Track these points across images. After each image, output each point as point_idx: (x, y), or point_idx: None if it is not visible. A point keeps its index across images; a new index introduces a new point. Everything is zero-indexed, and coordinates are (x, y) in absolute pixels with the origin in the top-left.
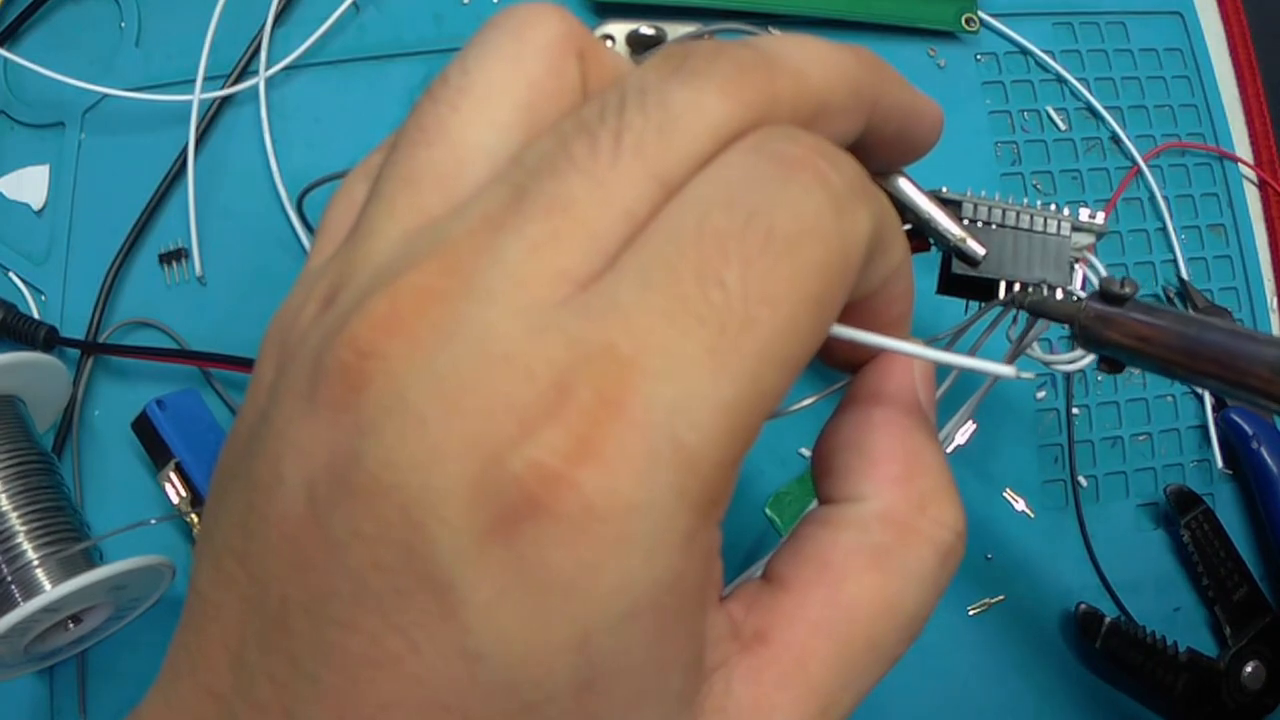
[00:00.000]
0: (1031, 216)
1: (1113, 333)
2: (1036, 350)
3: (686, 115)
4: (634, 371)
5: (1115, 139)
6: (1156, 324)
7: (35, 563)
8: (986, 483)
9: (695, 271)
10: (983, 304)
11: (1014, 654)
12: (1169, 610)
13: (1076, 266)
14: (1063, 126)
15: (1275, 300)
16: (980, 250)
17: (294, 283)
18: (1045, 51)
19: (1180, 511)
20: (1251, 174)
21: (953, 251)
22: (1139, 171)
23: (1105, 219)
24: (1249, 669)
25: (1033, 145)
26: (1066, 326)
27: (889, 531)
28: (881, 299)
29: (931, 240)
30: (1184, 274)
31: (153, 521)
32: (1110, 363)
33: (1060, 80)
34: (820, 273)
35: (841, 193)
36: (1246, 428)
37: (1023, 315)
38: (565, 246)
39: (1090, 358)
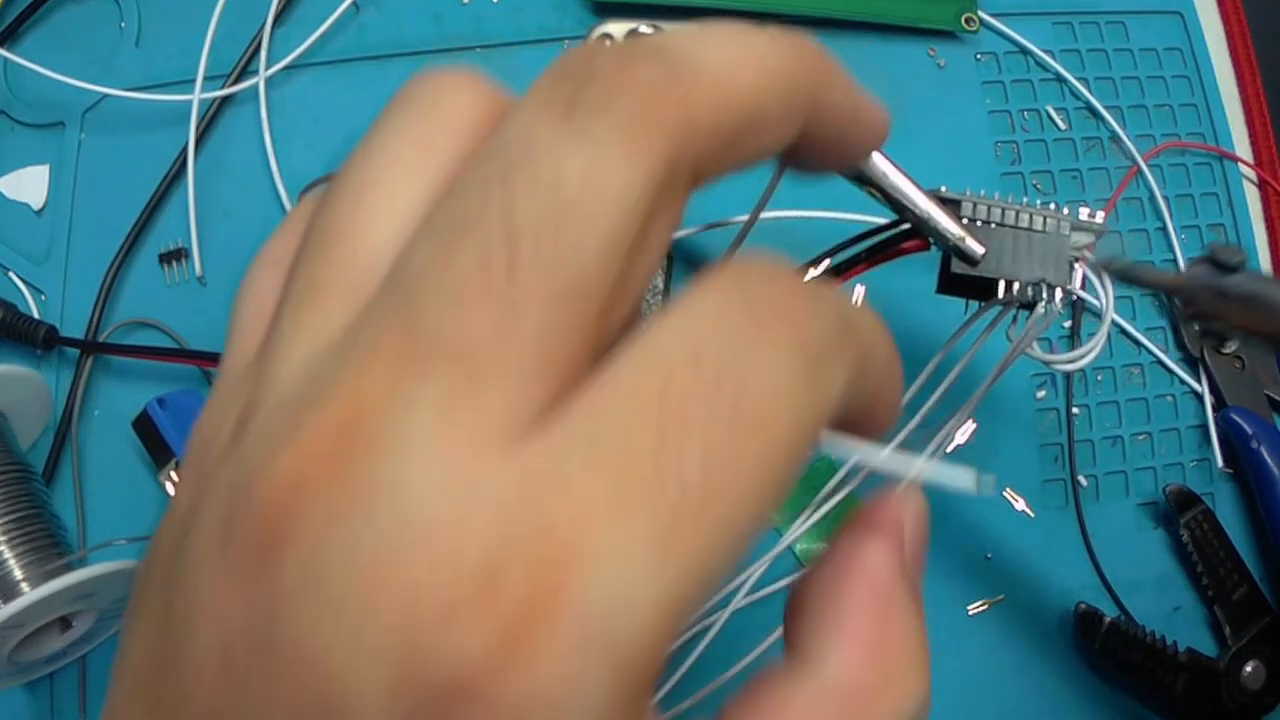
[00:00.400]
0: (1031, 215)
1: (1225, 303)
2: (1036, 350)
3: (589, 196)
4: (573, 559)
5: (1115, 139)
6: (1276, 295)
7: (11, 569)
8: None
9: (654, 446)
10: (982, 303)
11: (1014, 654)
12: (1169, 610)
13: (1076, 265)
14: (1063, 126)
15: None
16: (979, 249)
17: (213, 386)
18: (1045, 51)
19: (1180, 511)
20: (1251, 174)
21: (952, 251)
22: (1139, 171)
23: (1104, 218)
24: (1249, 669)
25: (1033, 145)
26: (1166, 296)
27: (848, 709)
28: (857, 418)
29: (931, 239)
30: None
31: (122, 541)
32: (1216, 335)
33: (1060, 80)
34: (788, 447)
35: (817, 354)
36: (1246, 427)
37: (1022, 315)
38: (483, 398)
39: (1090, 357)
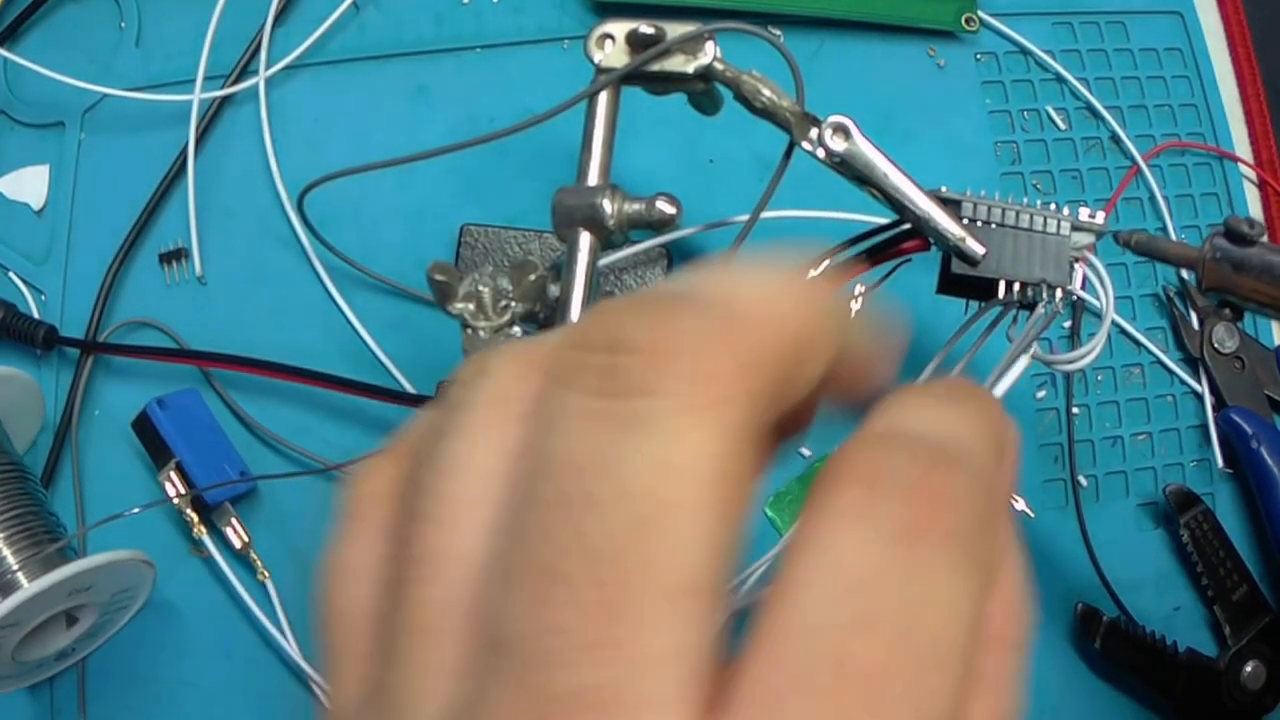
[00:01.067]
0: (1031, 216)
1: (1242, 276)
2: (1036, 350)
3: (668, 495)
4: None
5: (1115, 139)
6: None
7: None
8: None
9: None
10: (982, 304)
11: None
12: (1169, 610)
13: (1076, 266)
14: (1063, 126)
15: None
16: (980, 250)
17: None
18: (1045, 51)
19: (1180, 511)
20: (1251, 174)
21: (952, 251)
22: (1139, 171)
23: (1105, 218)
24: (1249, 669)
25: (1033, 145)
26: (1187, 271)
27: (987, 649)
28: None
29: (931, 239)
30: (1184, 274)
31: (136, 510)
32: (1234, 308)
33: (1060, 80)
34: (972, 642)
35: (973, 537)
36: (1246, 427)
37: (1023, 315)
38: None
39: (1091, 357)
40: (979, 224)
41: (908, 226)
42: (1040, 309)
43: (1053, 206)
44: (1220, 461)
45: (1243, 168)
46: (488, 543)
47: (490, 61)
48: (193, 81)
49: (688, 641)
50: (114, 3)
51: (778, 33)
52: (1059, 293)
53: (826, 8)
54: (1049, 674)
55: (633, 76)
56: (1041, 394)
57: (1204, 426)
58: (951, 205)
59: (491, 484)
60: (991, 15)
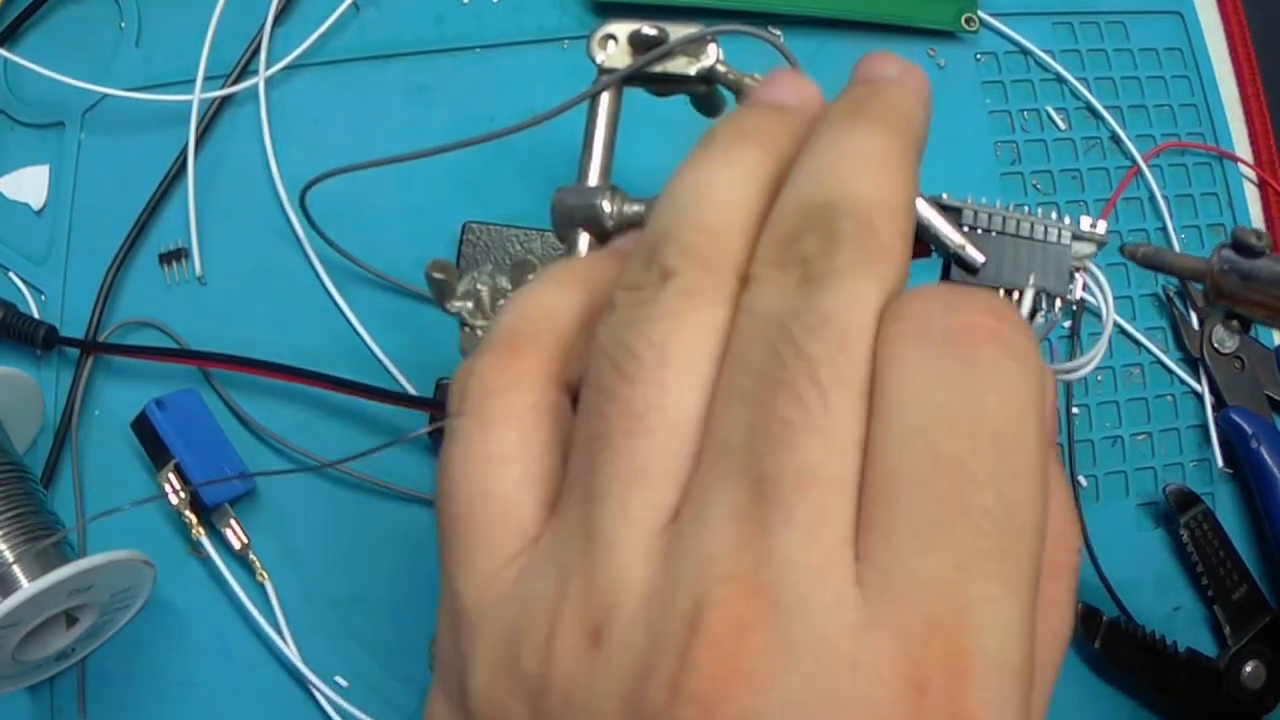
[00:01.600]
0: (1032, 224)
1: (1249, 288)
2: None
3: (853, 322)
4: (963, 637)
5: (1115, 139)
6: None
7: (8, 565)
8: None
9: (961, 514)
10: None
11: None
12: (1169, 610)
13: (1077, 275)
14: (1063, 126)
15: None
16: (979, 258)
17: (459, 589)
18: (1045, 51)
19: (1180, 511)
20: (1251, 174)
21: (952, 259)
22: (1139, 171)
23: (1107, 228)
24: (1249, 668)
25: (1033, 145)
26: (1195, 282)
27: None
28: None
29: (931, 246)
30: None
31: (126, 508)
32: (1242, 320)
33: (1060, 80)
34: (1041, 435)
35: (1021, 343)
36: (1246, 427)
37: None
38: (833, 519)
39: (1091, 365)
40: (979, 231)
41: None
42: (1040, 318)
43: (1054, 215)
44: (1220, 461)
45: (1243, 168)
46: (703, 399)
47: (490, 61)
48: (193, 81)
49: (853, 440)
50: (114, 3)
51: (778, 33)
52: (1059, 302)
53: (826, 8)
54: None
55: (635, 77)
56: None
57: (1204, 426)
58: (952, 212)
59: (702, 352)
60: (991, 15)
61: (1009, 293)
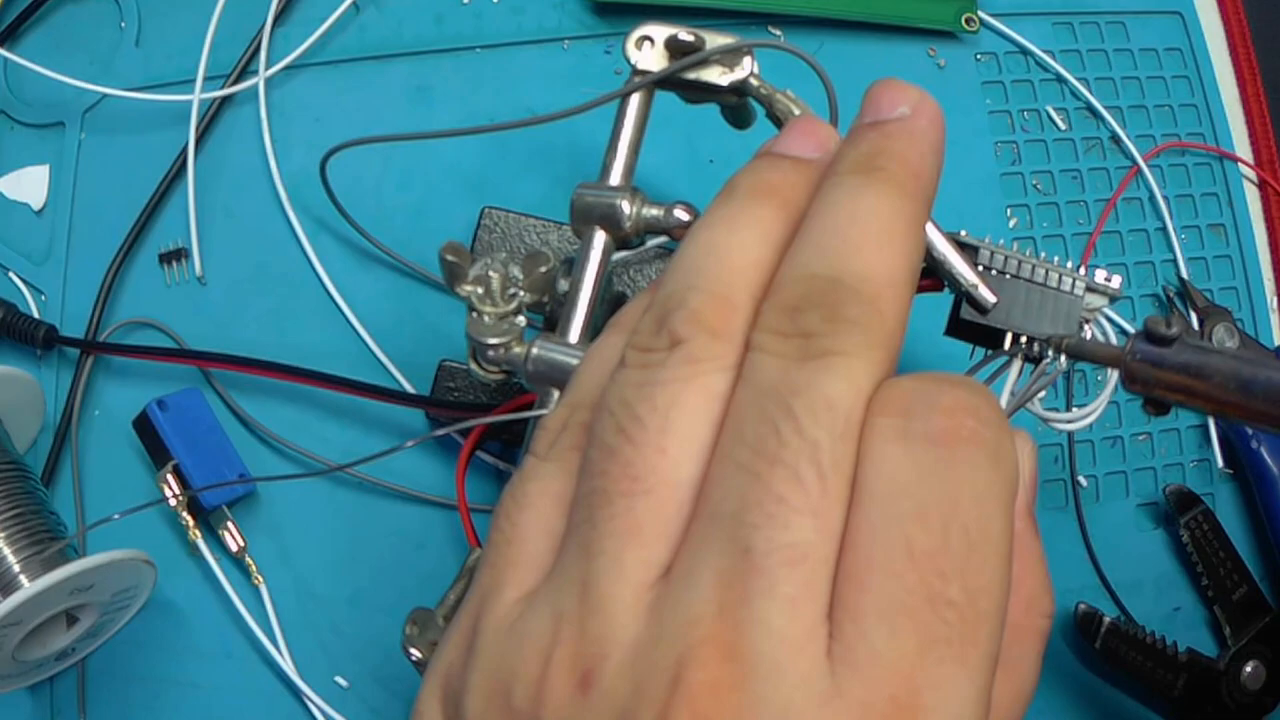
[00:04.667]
0: (1047, 271)
1: (1162, 375)
2: (1037, 406)
3: (853, 411)
4: (918, 716)
5: (1115, 139)
6: (1209, 364)
7: (9, 564)
8: None
9: (926, 604)
10: (989, 351)
11: None
12: (1169, 610)
13: (1086, 327)
14: (1063, 126)
15: (1275, 300)
16: (991, 298)
17: (476, 608)
18: (1045, 51)
19: (1180, 511)
20: (1251, 174)
21: (964, 296)
22: (1139, 171)
23: (1120, 284)
24: (1249, 669)
25: (1033, 145)
26: (1112, 370)
27: (1008, 636)
28: None
29: (945, 282)
30: (1184, 274)
31: (116, 517)
32: (1156, 404)
33: (1060, 80)
34: (1008, 528)
35: (997, 443)
36: (1246, 428)
37: (1027, 367)
38: (815, 595)
39: (1092, 418)
40: (994, 272)
41: (924, 265)
42: (1044, 366)
43: (1069, 264)
44: (1220, 461)
45: (1243, 168)
46: (700, 465)
47: (490, 61)
48: (193, 81)
49: (838, 523)
50: (114, 3)
51: (778, 34)
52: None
53: (826, 8)
54: (1049, 674)
55: (667, 82)
56: (1041, 395)
57: (1204, 426)
58: (968, 250)
59: (702, 420)
60: (991, 15)
61: (1016, 337)
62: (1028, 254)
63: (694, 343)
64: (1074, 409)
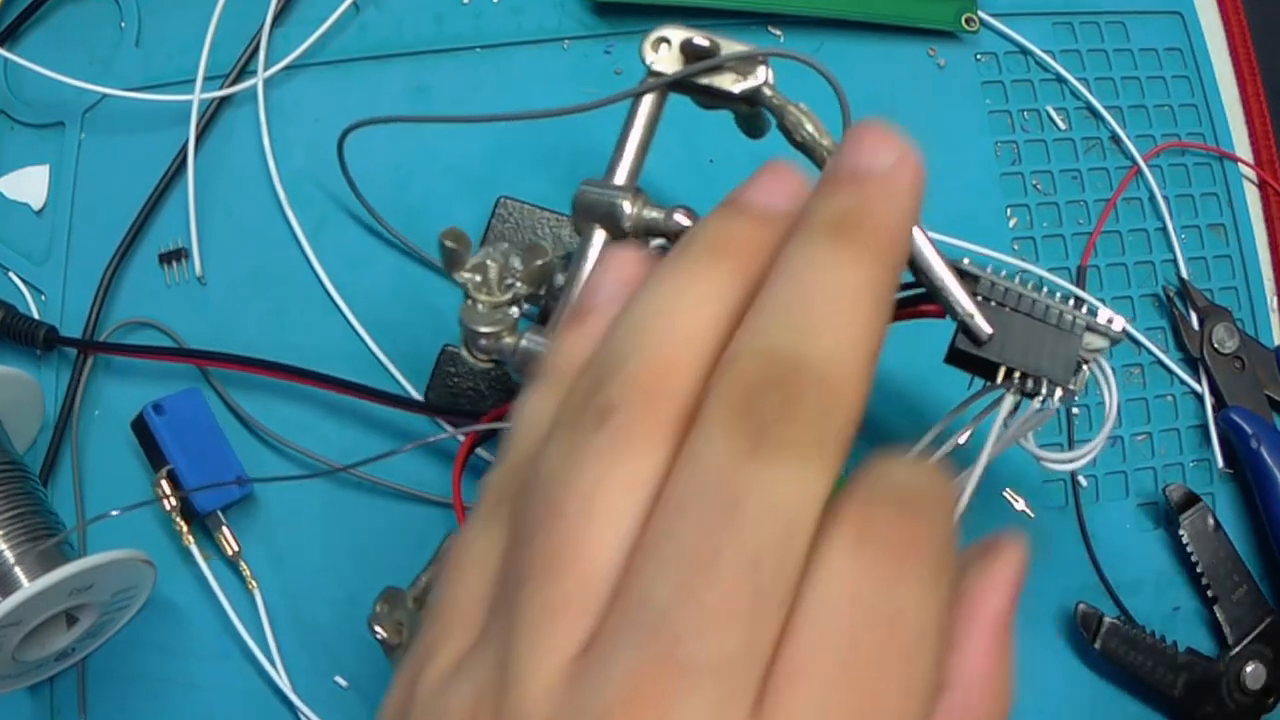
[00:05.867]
0: (1047, 307)
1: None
2: (1030, 443)
3: (801, 518)
4: None
5: (1115, 139)
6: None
7: (9, 564)
8: (986, 482)
9: (857, 716)
10: (986, 383)
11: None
12: (1169, 610)
13: (1083, 368)
14: (1063, 126)
15: (1275, 300)
16: (987, 330)
17: (416, 667)
18: (1045, 51)
19: (1180, 511)
20: (1251, 174)
21: (960, 326)
22: (1139, 171)
23: (1123, 326)
24: (1249, 669)
25: (1033, 145)
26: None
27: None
28: None
29: (944, 309)
30: (1184, 274)
31: (115, 513)
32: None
33: (1060, 80)
34: (940, 639)
35: (939, 563)
36: (1246, 427)
37: (1025, 402)
38: (740, 698)
39: (1087, 459)
40: (993, 304)
41: (922, 290)
42: (1037, 403)
43: (1071, 302)
44: (1220, 461)
45: (1243, 168)
46: (624, 550)
47: (490, 61)
48: (192, 81)
49: (772, 634)
50: (114, 3)
51: (779, 34)
52: (1059, 391)
53: (826, 8)
54: (1049, 674)
55: (681, 85)
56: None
57: (1204, 426)
58: (969, 279)
59: (631, 501)
60: (991, 15)
61: (1010, 372)
62: (1030, 287)
63: (627, 416)
64: (1075, 447)
